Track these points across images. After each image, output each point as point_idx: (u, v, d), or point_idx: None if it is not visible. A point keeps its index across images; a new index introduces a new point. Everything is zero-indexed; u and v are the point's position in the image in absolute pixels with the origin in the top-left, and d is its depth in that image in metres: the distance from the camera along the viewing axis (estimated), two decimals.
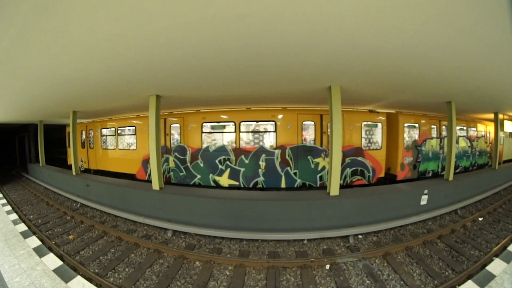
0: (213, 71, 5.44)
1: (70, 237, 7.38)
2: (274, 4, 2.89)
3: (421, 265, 5.50)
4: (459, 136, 13.16)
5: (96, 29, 3.48)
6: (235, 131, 10.15)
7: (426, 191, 7.94)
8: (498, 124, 12.96)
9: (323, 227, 6.57)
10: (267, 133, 10.10)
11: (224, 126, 10.46)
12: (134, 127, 12.79)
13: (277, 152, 9.87)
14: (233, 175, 10.20)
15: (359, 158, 10.38)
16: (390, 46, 4.14)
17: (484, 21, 3.32)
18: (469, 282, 4.47)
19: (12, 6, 2.90)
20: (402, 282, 4.93)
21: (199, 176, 10.64)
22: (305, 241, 6.47)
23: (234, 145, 10.17)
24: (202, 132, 10.58)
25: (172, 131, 11.22)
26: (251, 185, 10.04)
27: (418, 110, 11.76)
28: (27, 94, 7.86)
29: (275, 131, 9.95)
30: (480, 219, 8.30)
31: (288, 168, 9.89)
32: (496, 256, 5.57)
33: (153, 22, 3.28)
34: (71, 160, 12.55)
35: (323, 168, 9.92)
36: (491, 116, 13.40)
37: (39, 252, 5.41)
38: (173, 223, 7.18)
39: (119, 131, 13.44)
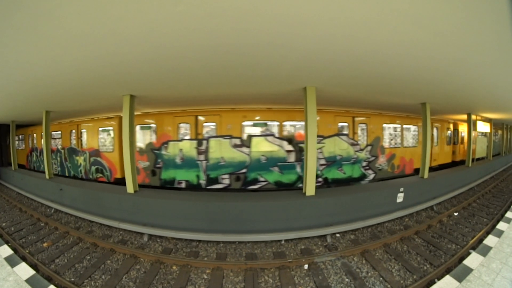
0: (185, 71, 5.37)
1: (45, 245, 7.07)
2: (245, 2, 2.85)
3: (399, 260, 5.62)
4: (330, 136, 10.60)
5: (64, 26, 3.36)
6: None
7: (402, 189, 8.16)
8: (471, 125, 13.56)
9: (300, 227, 6.59)
10: None
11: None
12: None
13: None
14: None
15: (98, 158, 12.26)
16: (363, 48, 4.20)
17: (458, 25, 3.41)
18: (447, 277, 4.57)
19: None
20: (381, 278, 5.01)
21: None
22: (283, 242, 6.47)
23: None
24: None
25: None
26: None
27: (395, 112, 12.07)
28: None
29: None
30: (456, 214, 8.62)
31: None
32: (473, 249, 5.76)
33: (121, 20, 3.19)
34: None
35: None
36: (465, 117, 14.02)
37: (11, 261, 5.20)
38: (148, 227, 7.02)
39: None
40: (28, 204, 11.51)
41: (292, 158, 10.04)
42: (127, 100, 7.78)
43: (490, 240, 5.99)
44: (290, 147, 10.03)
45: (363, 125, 11.26)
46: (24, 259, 5.95)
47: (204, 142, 10.06)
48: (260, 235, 6.39)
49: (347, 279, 5.00)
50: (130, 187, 8.04)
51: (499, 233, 6.37)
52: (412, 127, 13.09)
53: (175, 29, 3.48)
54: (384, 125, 11.95)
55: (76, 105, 9.93)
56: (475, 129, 13.81)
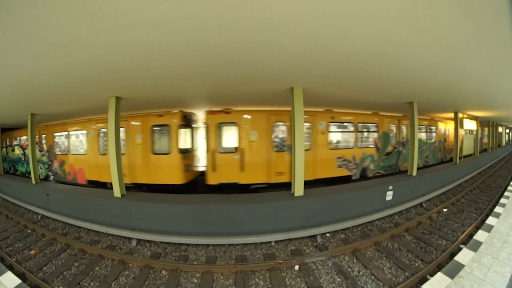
0: (169, 71, 5.30)
1: (32, 252, 6.89)
2: (227, 2, 2.81)
3: (390, 258, 5.65)
4: None
5: (45, 25, 3.28)
6: None
7: (390, 187, 8.25)
8: (458, 123, 13.82)
9: (290, 228, 6.57)
10: None
11: None
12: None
13: None
14: None
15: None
16: (349, 47, 4.20)
17: (442, 22, 3.42)
18: (439, 274, 4.59)
19: None
20: (373, 276, 5.02)
21: None
22: (273, 243, 6.44)
23: None
24: None
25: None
26: None
27: (383, 111, 12.19)
28: None
29: None
30: (445, 210, 8.75)
31: None
32: (464, 244, 5.83)
33: (102, 19, 3.12)
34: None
35: None
36: (451, 115, 14.30)
37: None
38: (136, 231, 6.90)
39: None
40: (15, 210, 11.21)
41: None
42: (112, 102, 7.64)
43: (480, 235, 6.09)
44: None
45: None
46: (11, 268, 5.80)
47: None
48: (250, 237, 6.35)
49: (338, 279, 4.99)
50: (117, 191, 7.88)
51: (489, 228, 6.49)
52: None
53: (158, 29, 3.43)
54: None
55: (61, 108, 9.73)
56: (462, 126, 14.05)
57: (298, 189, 7.16)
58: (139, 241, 6.92)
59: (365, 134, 11.64)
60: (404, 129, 13.04)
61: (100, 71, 5.24)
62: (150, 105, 9.42)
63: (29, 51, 4.16)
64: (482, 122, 19.50)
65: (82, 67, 4.97)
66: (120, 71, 5.21)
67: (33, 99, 8.09)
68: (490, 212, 7.97)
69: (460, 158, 13.88)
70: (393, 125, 12.72)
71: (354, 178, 11.04)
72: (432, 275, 4.74)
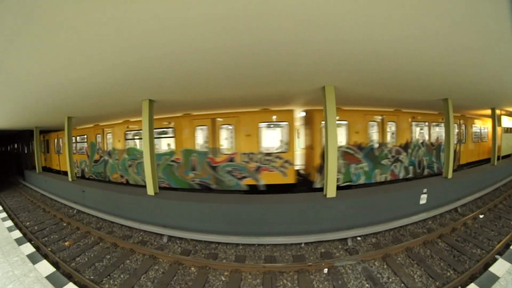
0: (201, 74, 5.38)
1: (66, 243, 7.32)
2: (258, 2, 2.81)
3: (422, 266, 5.39)
4: None
5: (80, 34, 3.45)
6: None
7: (425, 190, 7.86)
8: (496, 120, 12.89)
9: (320, 230, 6.46)
10: None
11: None
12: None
13: None
14: None
15: None
16: (382, 43, 4.06)
17: (477, 14, 3.23)
18: (472, 285, 4.35)
19: None
20: (402, 284, 4.82)
21: None
22: (303, 245, 6.36)
23: None
24: None
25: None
26: None
27: (416, 109, 11.69)
28: (21, 100, 7.86)
29: None
30: (481, 216, 8.19)
31: None
32: (500, 255, 5.46)
33: (135, 26, 3.23)
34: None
35: None
36: (488, 112, 13.33)
37: (32, 259, 5.38)
38: (168, 228, 7.09)
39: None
40: (52, 205, 11.97)
41: None
42: (146, 104, 7.94)
43: None
44: None
45: None
46: (45, 256, 6.18)
47: None
48: (280, 238, 6.31)
49: (367, 285, 4.84)
50: (150, 189, 8.17)
51: None
52: None
53: (188, 34, 3.51)
54: None
55: (96, 111, 10.28)
56: (500, 124, 13.10)
57: (331, 191, 7.01)
58: (170, 237, 7.11)
59: None
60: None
61: (133, 75, 5.43)
62: (183, 107, 9.67)
63: (66, 59, 4.41)
64: None
65: (116, 72, 5.18)
66: (153, 75, 5.37)
67: (70, 103, 8.56)
68: None
69: (498, 159, 12.95)
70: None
71: None
72: (464, 286, 4.50)
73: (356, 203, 6.95)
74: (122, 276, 5.49)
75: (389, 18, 3.27)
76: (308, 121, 10.93)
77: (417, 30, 3.63)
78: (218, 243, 6.66)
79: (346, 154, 10.07)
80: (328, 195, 7.01)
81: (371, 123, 10.67)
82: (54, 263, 5.83)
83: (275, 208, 6.68)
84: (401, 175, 11.24)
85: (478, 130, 15.78)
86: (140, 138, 12.07)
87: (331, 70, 5.44)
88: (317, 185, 9.76)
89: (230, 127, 10.23)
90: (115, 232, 7.97)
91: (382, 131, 10.80)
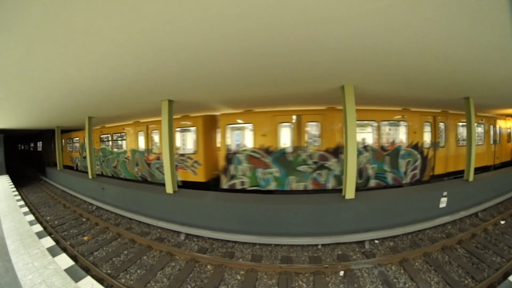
0: (220, 73, 5.42)
1: (85, 238, 7.56)
2: (274, 2, 2.79)
3: (439, 272, 5.24)
4: None
5: (100, 37, 3.55)
6: None
7: (445, 193, 7.62)
8: None
9: (338, 232, 6.40)
10: None
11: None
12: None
13: None
14: None
15: None
16: (401, 41, 3.95)
17: (500, 8, 3.07)
18: None
19: (19, 21, 2.99)
20: None
21: None
22: (319, 246, 6.32)
23: None
24: None
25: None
26: None
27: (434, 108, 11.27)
28: (44, 101, 8.16)
29: None
30: (502, 222, 7.88)
31: None
32: None
33: (154, 27, 3.29)
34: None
35: None
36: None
37: (52, 252, 5.52)
38: (186, 226, 7.21)
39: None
40: (72, 200, 12.37)
41: None
42: (165, 105, 8.10)
43: None
44: None
45: None
46: (64, 250, 6.38)
47: None
48: (297, 239, 6.30)
49: None
50: (169, 188, 8.32)
51: None
52: None
53: (208, 34, 3.53)
54: None
55: (116, 111, 10.57)
56: None
57: (349, 192, 6.92)
58: (187, 235, 7.22)
59: None
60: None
61: (153, 76, 5.54)
62: (199, 108, 9.84)
63: (87, 62, 4.55)
64: None
65: (136, 73, 5.29)
66: (172, 75, 5.45)
67: (91, 104, 8.86)
68: None
69: None
70: None
71: None
72: None
73: (375, 205, 6.81)
74: (138, 271, 5.62)
75: (408, 17, 3.19)
76: (214, 125, 11.52)
77: (436, 27, 3.52)
78: (235, 242, 6.70)
79: (251, 158, 9.80)
80: (347, 196, 6.92)
81: (284, 124, 9.68)
82: (72, 257, 6.01)
83: (293, 209, 6.63)
84: (330, 185, 9.52)
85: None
86: (108, 141, 15.46)
87: (350, 69, 5.35)
88: (224, 186, 10.00)
89: (156, 131, 12.46)
90: (133, 229, 8.15)
91: (299, 134, 9.56)
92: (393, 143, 10.32)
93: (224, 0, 2.74)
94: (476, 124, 10.66)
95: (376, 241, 6.55)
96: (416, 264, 5.59)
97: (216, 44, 3.86)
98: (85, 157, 16.14)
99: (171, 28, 3.33)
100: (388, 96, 8.18)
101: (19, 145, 40.41)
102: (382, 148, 10.13)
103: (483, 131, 13.16)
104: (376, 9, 3.01)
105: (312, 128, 9.66)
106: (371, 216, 6.71)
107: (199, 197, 7.74)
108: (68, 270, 4.73)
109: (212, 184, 10.99)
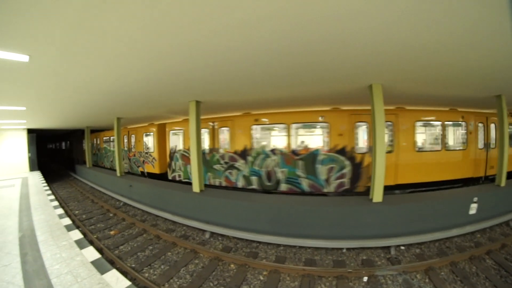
0: (247, 75, 5.47)
1: (111, 232, 7.91)
2: (302, 1, 2.77)
3: (465, 284, 4.99)
4: None
5: (130, 42, 3.68)
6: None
7: (475, 199, 7.23)
8: None
9: (364, 236, 6.27)
10: None
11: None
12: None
13: None
14: None
15: None
16: (432, 37, 3.77)
17: None
18: None
19: (49, 28, 3.15)
20: None
21: None
22: (344, 250, 6.24)
23: None
24: None
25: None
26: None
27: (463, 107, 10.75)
28: (76, 103, 8.56)
29: None
30: None
31: None
32: None
33: (185, 31, 3.37)
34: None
35: None
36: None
37: (79, 244, 5.71)
38: (211, 225, 7.35)
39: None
40: (100, 196, 12.95)
41: None
42: (193, 105, 8.30)
43: None
44: None
45: None
46: (91, 243, 6.68)
47: None
48: (322, 241, 6.25)
49: None
50: (196, 187, 8.50)
51: None
52: None
53: (236, 36, 3.56)
54: None
55: (144, 112, 10.95)
56: None
57: (377, 195, 6.71)
58: (212, 234, 7.37)
59: None
60: None
61: (181, 78, 5.69)
62: (226, 108, 10.00)
63: (117, 65, 4.73)
64: None
65: (165, 76, 5.47)
66: (200, 77, 5.57)
67: (120, 105, 9.22)
68: None
69: None
70: None
71: None
72: None
73: (403, 210, 6.57)
74: (162, 266, 5.80)
75: (439, 12, 3.05)
76: (163, 131, 14.34)
77: (468, 23, 3.32)
78: (260, 242, 6.75)
79: (183, 157, 12.75)
80: (374, 200, 6.72)
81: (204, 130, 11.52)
82: (99, 250, 6.28)
83: (319, 211, 6.57)
84: (240, 184, 10.68)
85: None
86: (108, 142, 19.80)
87: (378, 67, 5.19)
88: (169, 177, 13.56)
89: (133, 135, 16.90)
90: (159, 225, 8.42)
91: (213, 137, 11.54)
92: (306, 147, 9.84)
93: (253, 2, 2.75)
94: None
95: (402, 247, 6.37)
96: (442, 273, 5.38)
97: (242, 46, 3.90)
98: (94, 153, 21.96)
99: (200, 31, 3.39)
100: (414, 95, 7.90)
101: (50, 144, 42.77)
102: (293, 152, 9.77)
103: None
104: (398, 7, 2.90)
105: (224, 133, 11.32)
106: (398, 221, 6.51)
107: (226, 196, 7.83)
108: (94, 263, 4.87)
109: (163, 175, 14.03)
